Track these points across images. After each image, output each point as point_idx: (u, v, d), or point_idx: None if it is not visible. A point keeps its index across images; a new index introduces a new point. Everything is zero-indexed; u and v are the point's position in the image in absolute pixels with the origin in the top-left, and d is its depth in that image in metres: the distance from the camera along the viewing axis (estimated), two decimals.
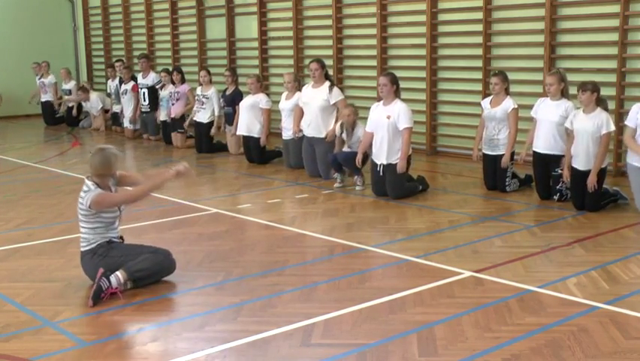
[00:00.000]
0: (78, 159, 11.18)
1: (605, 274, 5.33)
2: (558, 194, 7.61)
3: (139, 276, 5.06)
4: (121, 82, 13.70)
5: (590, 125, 7.18)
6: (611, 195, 7.41)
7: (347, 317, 4.58)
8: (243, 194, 8.55)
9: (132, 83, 13.41)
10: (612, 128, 7.21)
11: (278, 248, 6.21)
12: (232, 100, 11.19)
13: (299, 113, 9.52)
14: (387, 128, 7.89)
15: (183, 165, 5.41)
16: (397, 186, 7.89)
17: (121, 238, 5.37)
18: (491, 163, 8.20)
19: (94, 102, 14.66)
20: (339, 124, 8.80)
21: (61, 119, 15.34)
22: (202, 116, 11.48)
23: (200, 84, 11.66)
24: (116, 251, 5.19)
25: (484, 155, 8.31)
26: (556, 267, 5.53)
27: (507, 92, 8.22)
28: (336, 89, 9.34)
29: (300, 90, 9.90)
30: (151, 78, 13.06)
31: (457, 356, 4.00)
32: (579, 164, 7.28)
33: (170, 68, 13.23)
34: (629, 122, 6.99)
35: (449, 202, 7.79)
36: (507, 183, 8.09)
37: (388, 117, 7.88)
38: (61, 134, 14.14)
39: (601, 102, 7.31)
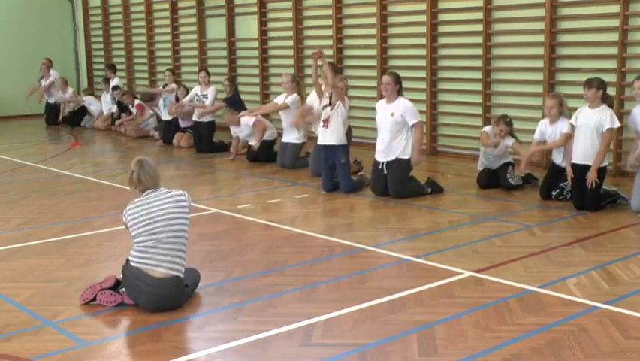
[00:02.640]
0: (78, 159, 11.18)
1: (605, 274, 5.33)
2: (558, 190, 7.62)
3: None
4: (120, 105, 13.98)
5: (592, 120, 7.21)
6: (611, 195, 7.42)
7: (347, 317, 4.58)
8: (243, 194, 8.55)
9: (136, 102, 13.54)
10: (617, 124, 7.24)
11: (278, 248, 6.21)
12: (231, 102, 11.24)
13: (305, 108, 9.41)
14: (390, 125, 7.91)
15: None
16: (398, 183, 7.90)
17: None
18: (490, 170, 8.38)
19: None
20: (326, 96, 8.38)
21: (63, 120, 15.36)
22: (199, 115, 11.47)
23: (200, 84, 11.65)
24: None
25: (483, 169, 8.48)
26: (557, 267, 5.52)
27: (509, 133, 8.36)
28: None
29: (298, 92, 9.96)
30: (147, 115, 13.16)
31: (457, 356, 4.00)
32: (577, 158, 7.32)
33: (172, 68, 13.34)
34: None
35: (449, 202, 7.79)
36: (509, 177, 8.14)
37: (392, 115, 7.89)
38: (61, 135, 14.14)
39: (606, 99, 7.33)
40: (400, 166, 7.91)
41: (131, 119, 13.63)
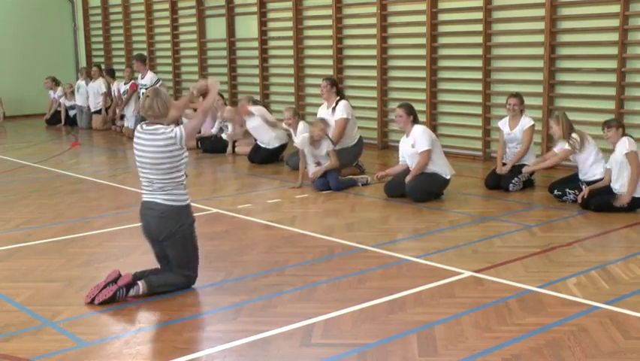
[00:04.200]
0: (78, 159, 11.19)
1: (605, 274, 5.32)
2: (561, 192, 7.60)
3: (157, 292, 5.01)
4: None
5: (619, 154, 7.17)
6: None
7: (347, 317, 4.58)
8: (243, 194, 8.55)
9: (132, 81, 13.53)
10: (628, 147, 7.08)
11: (278, 248, 6.21)
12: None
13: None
14: (414, 156, 7.90)
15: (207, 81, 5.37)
16: (420, 188, 7.75)
17: None
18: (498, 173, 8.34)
19: None
20: (305, 136, 8.61)
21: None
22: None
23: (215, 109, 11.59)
24: (192, 240, 5.08)
25: (503, 164, 8.43)
26: (556, 267, 5.53)
27: (522, 113, 8.42)
28: (340, 106, 9.26)
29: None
30: (149, 78, 13.08)
31: (457, 356, 4.00)
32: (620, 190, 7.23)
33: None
34: None
35: (449, 202, 7.79)
36: (513, 183, 8.12)
37: (412, 146, 7.89)
38: (61, 135, 14.14)
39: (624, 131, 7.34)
40: (434, 179, 7.83)
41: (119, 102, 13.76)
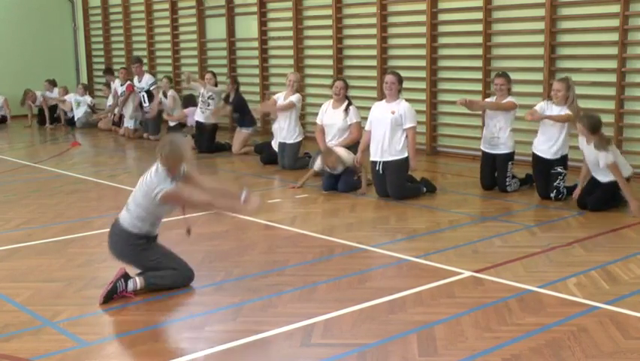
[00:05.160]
0: (78, 159, 11.19)
1: (605, 274, 5.33)
2: (555, 191, 7.62)
3: (154, 287, 5.04)
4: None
5: (592, 155, 7.15)
6: (617, 200, 7.28)
7: (347, 317, 4.58)
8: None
9: (127, 82, 13.51)
10: (610, 160, 6.97)
11: (278, 248, 6.21)
12: (237, 105, 11.27)
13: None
14: (389, 123, 7.88)
15: (254, 200, 5.30)
16: (398, 185, 7.87)
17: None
18: (490, 162, 8.25)
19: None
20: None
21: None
22: (206, 116, 11.46)
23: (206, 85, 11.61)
24: (152, 253, 5.09)
25: (483, 153, 8.36)
26: (557, 267, 5.53)
27: (509, 93, 8.30)
28: (352, 111, 9.15)
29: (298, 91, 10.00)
30: (145, 80, 13.10)
31: (457, 356, 4.00)
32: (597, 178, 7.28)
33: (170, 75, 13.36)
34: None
35: (449, 202, 7.79)
36: (507, 183, 8.10)
37: (393, 112, 7.89)
38: (61, 135, 14.14)
39: (601, 139, 7.11)
40: (398, 167, 7.90)
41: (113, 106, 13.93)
